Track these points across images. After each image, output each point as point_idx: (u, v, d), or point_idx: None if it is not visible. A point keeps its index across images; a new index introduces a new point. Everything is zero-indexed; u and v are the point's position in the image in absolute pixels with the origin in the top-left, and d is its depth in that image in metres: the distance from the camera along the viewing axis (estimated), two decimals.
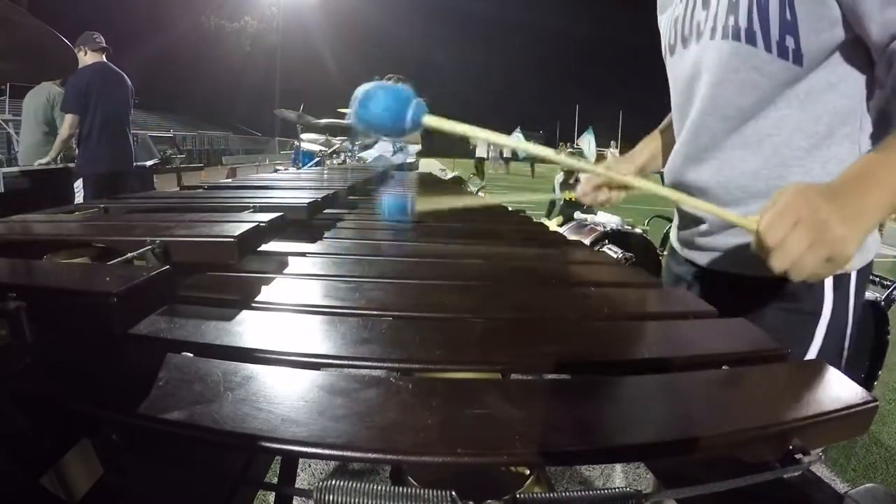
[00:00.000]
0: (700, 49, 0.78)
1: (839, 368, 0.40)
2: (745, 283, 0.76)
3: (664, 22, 0.88)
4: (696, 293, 0.81)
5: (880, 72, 0.66)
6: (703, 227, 0.83)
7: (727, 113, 0.75)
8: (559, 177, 5.52)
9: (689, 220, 0.87)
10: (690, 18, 0.79)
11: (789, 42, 0.67)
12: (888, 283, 2.11)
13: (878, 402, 0.36)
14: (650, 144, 1.04)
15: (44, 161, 3.69)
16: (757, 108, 0.73)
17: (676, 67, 0.85)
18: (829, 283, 0.75)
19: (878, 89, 0.68)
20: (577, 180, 5.10)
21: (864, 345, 2.00)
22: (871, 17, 0.61)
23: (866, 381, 2.01)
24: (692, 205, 0.68)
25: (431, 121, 0.51)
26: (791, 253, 0.52)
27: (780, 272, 0.52)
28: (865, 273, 0.78)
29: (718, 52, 0.74)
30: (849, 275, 0.75)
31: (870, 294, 1.86)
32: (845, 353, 0.78)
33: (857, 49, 0.66)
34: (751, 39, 0.70)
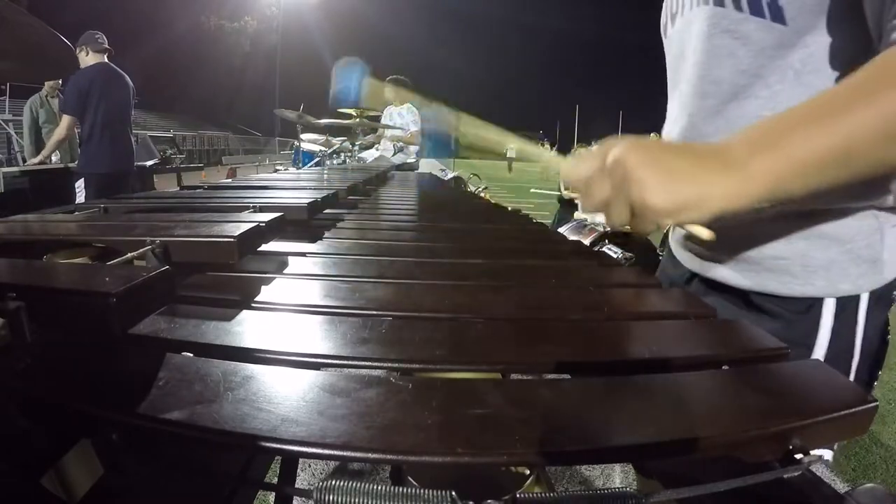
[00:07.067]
0: (683, 23, 0.69)
1: None
2: (730, 293, 0.68)
3: (665, 4, 0.79)
4: None
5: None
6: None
7: (705, 89, 0.64)
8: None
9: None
10: None
11: None
12: None
13: (877, 403, 0.36)
14: None
15: (35, 160, 3.70)
16: (739, 81, 0.61)
17: (667, 48, 0.77)
18: (829, 307, 0.61)
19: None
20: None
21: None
22: None
23: (866, 382, 2.01)
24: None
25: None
26: (592, 198, 0.49)
27: (588, 210, 0.50)
28: (883, 294, 0.62)
29: (695, 21, 0.65)
30: (857, 298, 0.61)
31: None
32: None
33: (856, 7, 0.52)
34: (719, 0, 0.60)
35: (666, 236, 0.94)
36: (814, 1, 0.54)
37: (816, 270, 0.60)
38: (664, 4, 0.78)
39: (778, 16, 0.56)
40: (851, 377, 0.64)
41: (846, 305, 0.61)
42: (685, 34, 0.69)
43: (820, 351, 0.62)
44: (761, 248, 0.62)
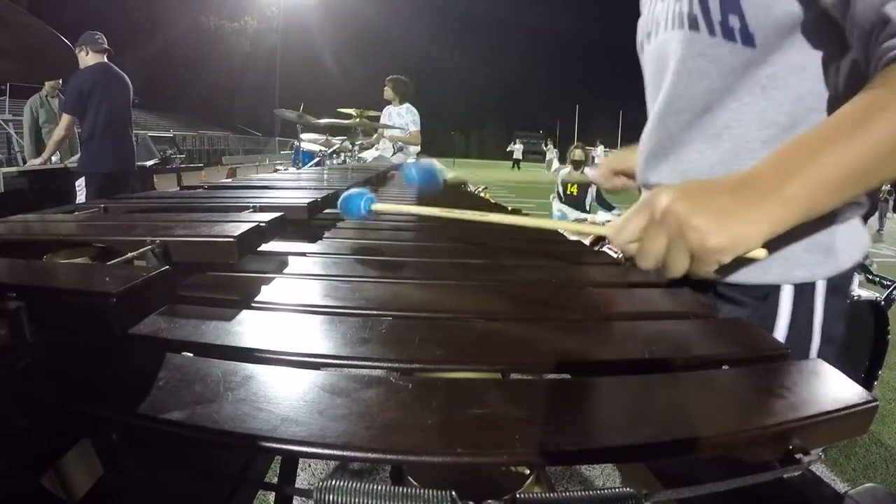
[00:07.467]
0: (658, 43, 0.75)
1: None
2: (696, 284, 0.69)
3: (639, 22, 0.84)
4: None
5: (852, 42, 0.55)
6: None
7: (679, 105, 0.71)
8: (564, 172, 5.44)
9: None
10: (652, 13, 0.77)
11: (733, 22, 0.61)
12: (888, 282, 2.11)
13: (878, 402, 0.36)
14: None
15: (37, 161, 3.70)
16: (711, 98, 0.67)
17: (645, 65, 0.82)
18: (787, 293, 0.66)
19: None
20: (582, 174, 5.10)
21: (864, 345, 2.01)
22: None
23: (866, 381, 2.02)
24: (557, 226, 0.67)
25: (379, 207, 0.78)
26: (650, 253, 0.50)
27: (653, 270, 0.51)
28: (840, 284, 0.67)
29: (669, 43, 0.71)
30: (813, 285, 0.65)
31: (870, 294, 1.86)
32: None
33: (828, 24, 0.57)
34: (693, 24, 0.65)
35: None
36: (781, 26, 0.59)
37: (773, 259, 0.63)
38: (639, 23, 0.83)
39: (748, 40, 0.61)
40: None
41: (803, 291, 0.66)
42: (663, 53, 0.73)
43: (780, 334, 0.66)
44: None
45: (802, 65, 0.61)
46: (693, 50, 0.66)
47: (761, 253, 0.51)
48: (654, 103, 0.77)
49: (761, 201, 0.48)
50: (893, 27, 0.48)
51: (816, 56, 0.60)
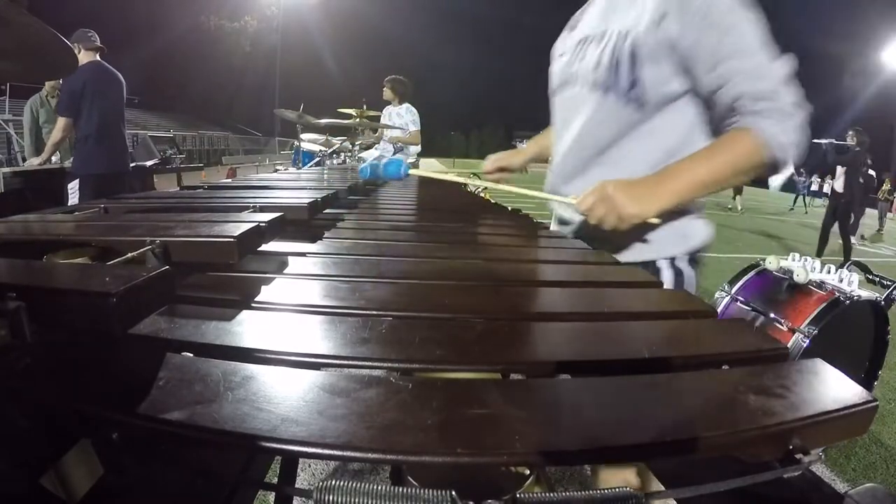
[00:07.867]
0: (574, 94, 1.07)
1: None
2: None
3: (553, 70, 1.16)
4: None
5: (713, 112, 0.93)
6: (567, 217, 1.15)
7: (589, 143, 1.04)
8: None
9: (561, 212, 1.19)
10: (569, 68, 1.08)
11: (634, 93, 0.94)
12: (888, 282, 2.11)
13: (878, 402, 0.36)
14: (539, 140, 1.41)
15: (35, 162, 3.68)
16: (612, 139, 1.00)
17: (557, 106, 1.15)
18: (665, 264, 1.02)
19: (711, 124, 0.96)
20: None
21: (864, 345, 2.01)
22: (700, 77, 0.90)
23: (866, 381, 2.02)
24: (523, 194, 1.06)
25: (415, 171, 1.05)
26: (595, 215, 0.90)
27: (594, 224, 0.91)
28: (697, 258, 1.04)
29: (585, 98, 1.02)
30: (674, 257, 1.02)
31: (870, 294, 1.86)
32: None
33: (691, 100, 0.94)
34: (606, 90, 0.98)
35: None
36: (666, 98, 0.94)
37: (651, 243, 1.00)
38: (553, 70, 1.15)
39: (644, 104, 0.95)
40: None
41: (673, 262, 1.02)
42: (577, 103, 1.05)
43: (667, 286, 0.89)
44: (624, 234, 0.94)
45: (670, 125, 0.96)
46: (603, 108, 0.99)
47: (657, 220, 0.90)
48: (564, 137, 1.10)
49: (658, 192, 0.89)
50: (735, 113, 0.88)
51: (684, 117, 0.96)
